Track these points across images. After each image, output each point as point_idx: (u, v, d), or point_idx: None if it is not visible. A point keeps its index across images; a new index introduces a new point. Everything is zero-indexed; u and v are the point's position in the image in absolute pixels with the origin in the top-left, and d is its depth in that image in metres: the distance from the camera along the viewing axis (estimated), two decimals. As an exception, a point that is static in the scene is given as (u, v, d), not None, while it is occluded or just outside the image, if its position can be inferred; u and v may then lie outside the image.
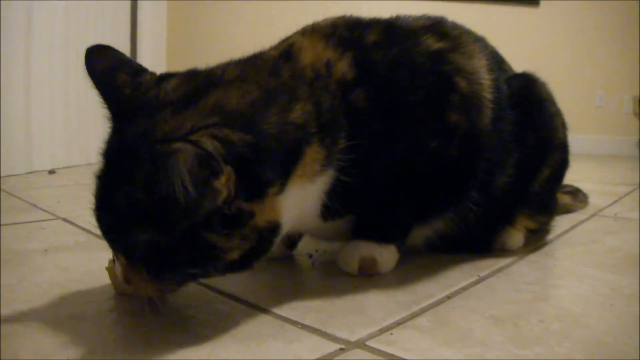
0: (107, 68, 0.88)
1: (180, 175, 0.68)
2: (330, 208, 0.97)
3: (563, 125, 1.32)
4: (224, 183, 0.74)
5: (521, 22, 4.65)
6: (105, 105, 0.87)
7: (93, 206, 0.80)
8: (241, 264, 0.83)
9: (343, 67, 0.98)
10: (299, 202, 0.90)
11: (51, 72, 2.98)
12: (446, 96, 1.03)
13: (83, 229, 1.43)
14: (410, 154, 1.01)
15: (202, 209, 0.73)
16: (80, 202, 1.93)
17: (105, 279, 0.97)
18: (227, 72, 0.90)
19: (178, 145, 0.68)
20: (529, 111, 1.20)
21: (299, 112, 0.88)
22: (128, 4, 3.74)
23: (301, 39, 1.02)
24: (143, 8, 3.83)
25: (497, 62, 1.20)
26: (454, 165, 1.06)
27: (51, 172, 2.82)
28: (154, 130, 0.77)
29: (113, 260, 0.88)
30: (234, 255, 0.80)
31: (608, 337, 0.79)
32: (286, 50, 0.99)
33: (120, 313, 0.90)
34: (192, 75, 0.90)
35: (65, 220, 1.57)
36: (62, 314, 0.86)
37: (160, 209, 0.72)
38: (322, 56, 0.98)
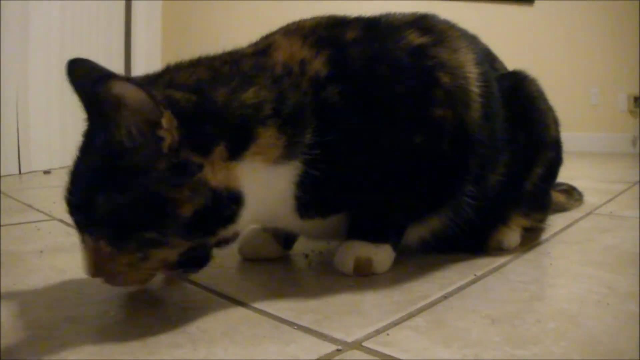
0: (83, 76, 0.91)
1: (125, 119, 0.76)
2: (305, 203, 0.98)
3: (555, 122, 1.32)
4: (166, 128, 0.78)
5: (516, 20, 4.66)
6: (83, 109, 0.92)
7: (66, 194, 0.85)
8: (201, 227, 0.85)
9: (317, 65, 0.98)
10: (264, 184, 0.93)
11: (47, 73, 2.98)
12: (428, 91, 1.03)
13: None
14: (394, 149, 1.01)
15: (147, 153, 0.78)
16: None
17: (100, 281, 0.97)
18: (190, 61, 0.96)
19: (119, 86, 0.74)
20: (520, 109, 1.20)
21: (250, 94, 0.91)
22: (122, 5, 3.74)
23: (280, 39, 1.03)
24: (137, 9, 3.83)
25: (488, 59, 1.21)
26: (446, 161, 1.06)
27: (46, 172, 2.82)
28: None
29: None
30: (186, 210, 0.82)
31: (604, 336, 0.79)
32: (262, 50, 1.01)
33: (116, 314, 0.89)
34: (157, 74, 0.94)
35: (61, 221, 1.57)
36: (58, 316, 0.86)
37: (111, 165, 0.79)
38: (297, 55, 0.99)
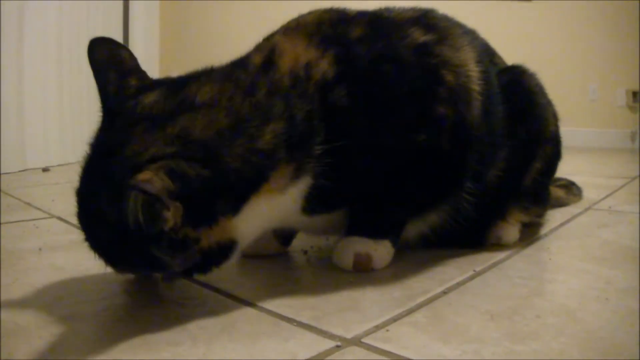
0: (104, 61, 0.92)
1: (132, 211, 0.74)
2: (314, 206, 0.99)
3: (554, 117, 1.32)
4: (171, 215, 0.78)
5: (514, 16, 4.65)
6: (99, 96, 0.92)
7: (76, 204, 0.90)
8: (193, 272, 0.90)
9: (324, 66, 0.98)
10: (267, 213, 0.93)
11: (44, 71, 2.99)
12: (433, 89, 1.03)
13: (78, 227, 1.41)
14: (398, 147, 1.02)
15: (148, 232, 0.77)
16: (73, 200, 1.93)
17: (100, 277, 0.97)
18: (202, 92, 0.91)
19: (132, 187, 0.73)
20: (519, 104, 1.20)
21: (268, 137, 0.89)
22: (120, 4, 3.74)
23: (283, 40, 1.02)
24: (135, 9, 3.83)
25: (488, 54, 1.21)
26: (445, 157, 1.06)
27: (45, 170, 2.81)
28: (124, 145, 0.83)
29: None
30: (177, 268, 0.84)
31: (604, 332, 0.79)
32: (268, 57, 0.99)
33: (115, 312, 0.89)
34: (171, 91, 0.91)
35: (59, 218, 1.57)
36: (57, 314, 0.86)
37: (116, 223, 0.77)
38: (302, 58, 0.98)
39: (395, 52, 1.03)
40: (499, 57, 1.28)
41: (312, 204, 0.98)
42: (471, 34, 1.19)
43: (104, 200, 0.81)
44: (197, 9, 4.69)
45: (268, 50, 1.01)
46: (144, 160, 0.80)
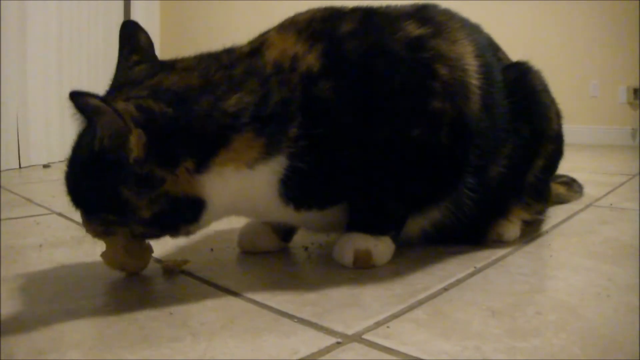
0: (124, 38, 1.04)
1: (100, 134, 0.86)
2: (298, 195, 1.00)
3: (558, 115, 1.31)
4: (134, 143, 0.85)
5: (516, 12, 4.64)
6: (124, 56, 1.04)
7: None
8: (160, 226, 0.95)
9: (310, 60, 0.99)
10: (238, 186, 0.96)
11: (46, 69, 2.99)
12: (426, 84, 1.03)
13: (78, 223, 1.41)
14: (391, 142, 1.02)
15: (115, 158, 0.87)
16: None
17: (100, 273, 0.97)
18: (184, 61, 1.01)
19: (98, 107, 0.83)
20: (523, 102, 1.19)
21: (233, 102, 0.94)
22: (121, 5, 3.74)
23: (275, 35, 1.05)
24: (136, 8, 3.83)
25: (491, 49, 1.20)
26: (445, 152, 1.06)
27: (46, 166, 2.82)
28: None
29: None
30: (144, 213, 0.91)
31: (605, 328, 0.79)
32: (256, 48, 1.03)
33: (115, 308, 0.89)
34: (160, 64, 1.02)
35: (60, 215, 1.57)
36: (58, 310, 0.86)
37: (89, 160, 0.90)
38: (289, 51, 1.00)
39: (386, 46, 1.03)
40: (503, 53, 1.28)
41: (294, 193, 0.98)
42: (473, 28, 1.19)
43: (80, 140, 0.94)
44: (197, 9, 4.69)
45: (258, 43, 1.04)
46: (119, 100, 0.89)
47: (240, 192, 0.97)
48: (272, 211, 1.03)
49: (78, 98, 0.81)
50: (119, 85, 0.97)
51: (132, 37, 1.04)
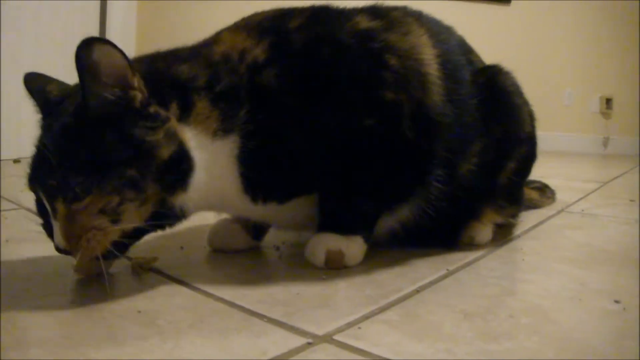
0: (39, 86, 1.00)
1: (99, 82, 0.85)
2: (252, 183, 1.00)
3: (531, 118, 1.32)
4: (136, 87, 0.88)
5: (492, 20, 4.67)
6: (39, 111, 0.98)
7: (29, 178, 0.90)
8: (170, 175, 0.90)
9: (257, 52, 1.00)
10: (210, 158, 0.96)
11: (19, 66, 2.95)
12: (375, 73, 1.03)
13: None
14: (342, 131, 1.01)
15: (123, 105, 0.86)
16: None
17: (68, 270, 0.94)
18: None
19: (93, 45, 0.83)
20: (494, 102, 1.19)
21: (183, 68, 0.97)
22: (98, 4, 3.72)
23: (226, 33, 1.07)
24: (112, 8, 3.80)
25: (463, 51, 1.21)
26: (410, 146, 1.05)
27: (16, 161, 2.77)
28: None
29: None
30: (165, 152, 0.89)
31: (578, 332, 0.79)
32: (205, 43, 1.06)
33: (82, 305, 0.87)
34: None
35: (28, 210, 1.54)
36: (23, 306, 0.84)
37: (88, 118, 0.86)
38: (238, 46, 1.02)
39: (332, 35, 1.04)
40: (477, 56, 1.28)
41: (251, 179, 0.99)
42: (445, 30, 1.21)
43: (61, 116, 0.89)
44: (175, 10, 4.65)
45: (210, 39, 1.06)
46: None
47: (212, 165, 0.96)
48: (235, 203, 1.02)
49: (84, 48, 0.82)
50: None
51: (49, 80, 1.03)
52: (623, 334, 0.79)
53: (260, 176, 0.99)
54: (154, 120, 0.89)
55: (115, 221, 0.87)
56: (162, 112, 0.90)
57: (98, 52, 0.82)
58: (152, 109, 0.89)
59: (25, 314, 0.81)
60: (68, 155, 0.85)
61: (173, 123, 0.91)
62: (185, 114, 0.94)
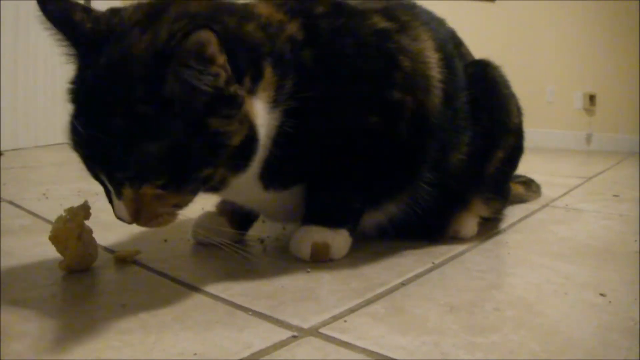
0: (62, 10, 0.86)
1: (189, 79, 0.77)
2: (271, 170, 0.98)
3: (518, 110, 1.33)
4: (222, 64, 0.79)
5: (476, 16, 4.68)
6: (67, 45, 0.87)
7: (80, 145, 0.82)
8: (241, 157, 0.88)
9: (292, 28, 0.99)
10: (261, 121, 0.91)
11: (3, 58, 2.95)
12: (389, 73, 1.04)
13: (29, 212, 1.38)
14: (350, 126, 1.02)
15: (205, 96, 0.80)
16: (26, 184, 1.89)
17: (49, 264, 0.93)
18: None
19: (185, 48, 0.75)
20: (484, 93, 1.21)
21: (252, 28, 0.92)
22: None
23: (257, 2, 1.03)
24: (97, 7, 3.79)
25: (454, 44, 1.23)
26: (404, 145, 1.06)
27: (-1, 153, 2.75)
28: (130, 49, 0.80)
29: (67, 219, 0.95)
30: (236, 139, 0.85)
31: (562, 325, 0.79)
32: (243, 4, 1.00)
33: (64, 299, 0.86)
34: (147, 3, 0.91)
35: (10, 203, 1.52)
36: (4, 300, 0.83)
37: (165, 116, 0.78)
38: (275, 16, 1.00)
39: (356, 29, 1.04)
40: (466, 48, 1.30)
41: (272, 164, 0.97)
42: (435, 22, 1.22)
43: (139, 106, 0.77)
44: None
45: (244, 3, 1.01)
46: (162, 42, 0.80)
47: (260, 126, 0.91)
48: (245, 187, 0.99)
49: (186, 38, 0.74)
50: (122, 33, 0.83)
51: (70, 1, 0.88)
52: (608, 327, 0.79)
53: (277, 161, 0.97)
54: (231, 106, 0.83)
55: (181, 206, 0.90)
56: (240, 92, 0.84)
57: (200, 37, 0.76)
58: (232, 89, 0.83)
59: (6, 307, 0.80)
60: (135, 144, 0.78)
61: (247, 104, 0.86)
62: (255, 85, 0.90)
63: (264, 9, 1.00)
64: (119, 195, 0.84)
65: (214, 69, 0.79)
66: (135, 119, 0.77)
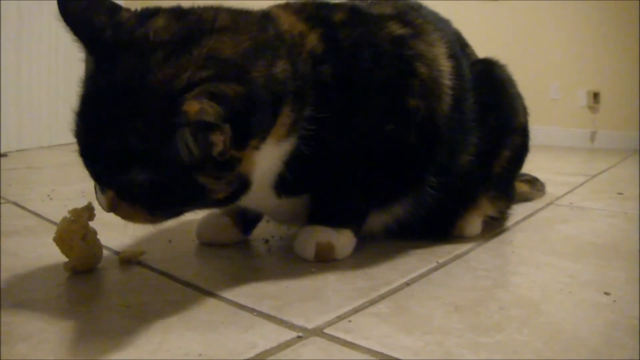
0: (82, 9, 0.85)
1: (184, 145, 0.75)
2: (286, 181, 0.97)
3: (524, 109, 1.33)
4: (221, 139, 0.76)
5: (480, 15, 4.68)
6: (83, 47, 0.86)
7: (81, 147, 0.83)
8: (227, 200, 0.90)
9: (313, 40, 0.98)
10: (265, 163, 0.91)
11: (2, 60, 2.95)
12: (407, 80, 1.04)
13: (33, 213, 1.39)
14: (367, 135, 1.02)
15: (198, 160, 0.78)
16: (31, 185, 1.89)
17: (54, 265, 0.93)
18: (219, 19, 0.89)
19: (186, 123, 0.73)
20: (490, 92, 1.21)
21: (280, 69, 0.89)
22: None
23: (276, 9, 1.02)
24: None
25: (460, 45, 1.22)
26: (412, 151, 1.06)
27: (3, 155, 2.76)
28: (147, 74, 0.79)
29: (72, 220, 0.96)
30: (220, 196, 0.86)
31: (567, 324, 0.79)
32: (265, 14, 0.99)
33: (68, 300, 0.87)
34: (181, 15, 0.88)
35: (15, 204, 1.53)
36: (10, 300, 0.83)
37: (158, 157, 0.77)
38: (296, 26, 0.98)
39: (374, 39, 1.04)
40: (471, 48, 1.29)
41: (287, 176, 0.96)
42: (443, 24, 1.22)
43: (137, 138, 0.77)
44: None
45: (262, 12, 1.00)
46: (179, 88, 0.77)
47: (263, 170, 0.92)
48: (258, 197, 0.98)
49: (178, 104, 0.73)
50: (143, 50, 0.81)
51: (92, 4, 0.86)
52: (613, 326, 0.78)
53: (294, 174, 0.97)
54: (222, 169, 0.83)
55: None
56: (236, 155, 0.83)
57: (196, 115, 0.73)
58: (227, 155, 0.80)
59: (11, 308, 0.80)
60: (122, 167, 0.79)
61: (246, 161, 0.85)
62: (265, 135, 0.88)
63: (286, 19, 0.99)
64: (102, 190, 0.85)
65: (213, 138, 0.76)
66: (129, 147, 0.77)
